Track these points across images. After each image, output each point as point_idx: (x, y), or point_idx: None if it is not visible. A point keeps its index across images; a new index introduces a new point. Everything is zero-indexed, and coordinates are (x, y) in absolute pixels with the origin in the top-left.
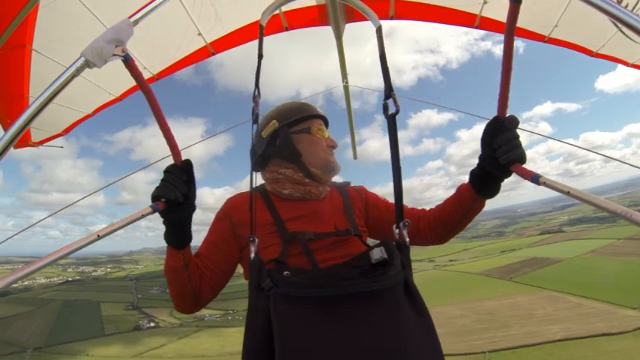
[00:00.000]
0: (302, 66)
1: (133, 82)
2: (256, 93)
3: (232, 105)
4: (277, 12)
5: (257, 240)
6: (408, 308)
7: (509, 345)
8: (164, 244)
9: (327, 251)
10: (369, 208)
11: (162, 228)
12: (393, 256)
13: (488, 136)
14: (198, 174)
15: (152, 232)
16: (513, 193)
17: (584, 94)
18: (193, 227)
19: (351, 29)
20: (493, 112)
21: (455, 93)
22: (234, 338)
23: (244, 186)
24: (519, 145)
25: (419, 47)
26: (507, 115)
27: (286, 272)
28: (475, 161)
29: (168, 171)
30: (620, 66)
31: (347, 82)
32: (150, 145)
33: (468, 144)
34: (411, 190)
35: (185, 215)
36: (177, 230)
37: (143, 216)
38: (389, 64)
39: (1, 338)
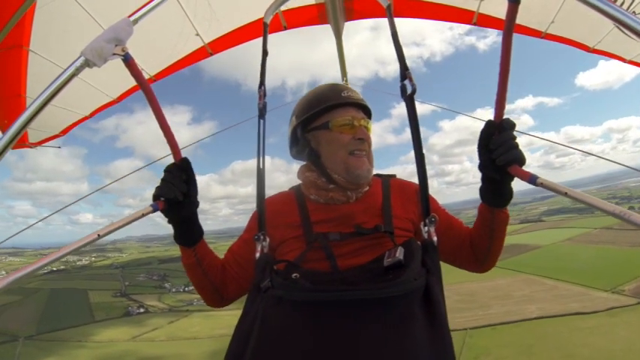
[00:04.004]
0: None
1: (130, 84)
2: (262, 89)
3: (218, 94)
4: (275, 11)
5: (268, 239)
6: (421, 321)
7: (489, 322)
8: (147, 232)
9: (353, 256)
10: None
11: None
12: (411, 259)
13: (484, 140)
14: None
15: (136, 221)
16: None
17: (566, 89)
18: None
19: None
20: (474, 105)
21: (438, 85)
22: (223, 320)
23: (229, 173)
24: (516, 146)
25: (404, 40)
26: (503, 118)
27: (295, 274)
28: (457, 151)
29: (167, 170)
30: (600, 63)
31: (346, 81)
32: (136, 133)
33: (450, 134)
34: None
35: (187, 213)
36: (182, 228)
37: (144, 215)
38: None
39: None
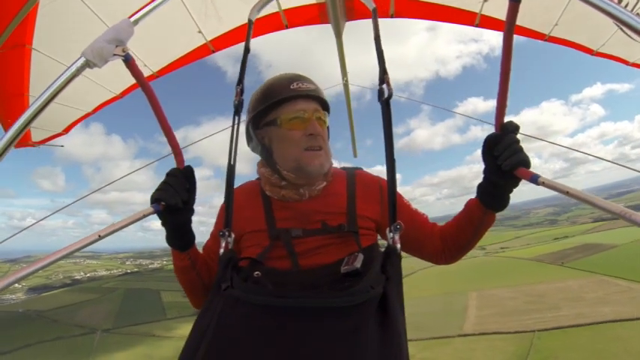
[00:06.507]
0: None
1: (132, 80)
2: (240, 86)
3: None
4: (277, 10)
5: (233, 235)
6: (374, 333)
7: (559, 325)
8: None
9: (313, 254)
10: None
11: (211, 222)
12: (369, 267)
13: (489, 148)
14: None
15: (204, 227)
16: (564, 180)
17: (637, 72)
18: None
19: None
20: (539, 98)
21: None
22: None
23: None
24: (521, 149)
25: (461, 38)
26: (505, 121)
27: (257, 272)
28: (525, 146)
29: (171, 175)
30: None
31: (347, 80)
32: (203, 144)
33: None
34: (460, 179)
35: (183, 220)
36: (177, 233)
37: (145, 215)
38: (385, 51)
39: (72, 322)
